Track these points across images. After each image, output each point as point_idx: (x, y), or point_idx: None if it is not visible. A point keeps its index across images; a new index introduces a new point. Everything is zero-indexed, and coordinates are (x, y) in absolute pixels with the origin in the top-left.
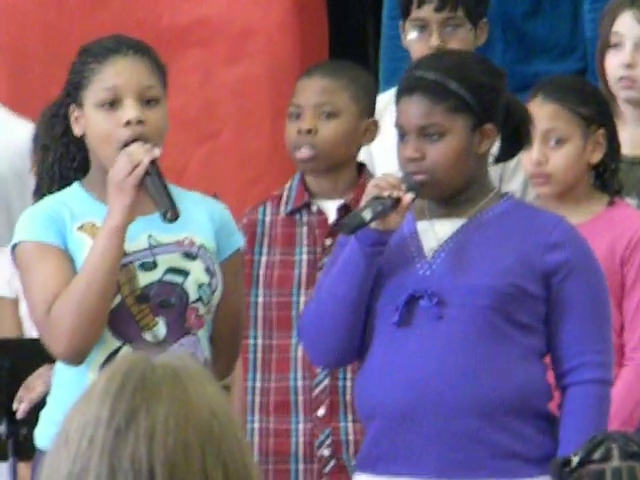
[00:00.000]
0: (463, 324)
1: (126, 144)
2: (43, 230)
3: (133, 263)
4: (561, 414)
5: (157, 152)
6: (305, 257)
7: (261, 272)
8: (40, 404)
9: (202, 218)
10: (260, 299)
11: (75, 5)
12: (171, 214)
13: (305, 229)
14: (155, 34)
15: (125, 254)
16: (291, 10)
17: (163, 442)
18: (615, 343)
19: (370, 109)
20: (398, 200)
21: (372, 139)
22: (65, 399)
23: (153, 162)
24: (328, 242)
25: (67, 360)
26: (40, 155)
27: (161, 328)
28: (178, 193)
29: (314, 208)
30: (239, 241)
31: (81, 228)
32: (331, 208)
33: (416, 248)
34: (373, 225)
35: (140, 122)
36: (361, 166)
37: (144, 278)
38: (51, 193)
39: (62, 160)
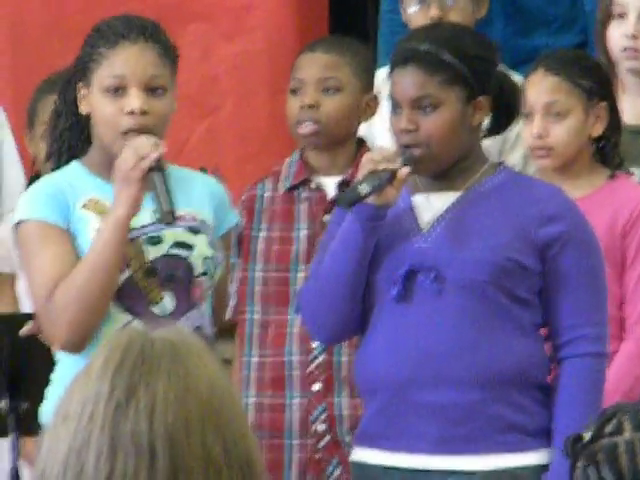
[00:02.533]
0: (461, 298)
1: (127, 132)
2: (46, 209)
3: (140, 237)
4: (556, 386)
5: (162, 149)
6: (304, 233)
7: (259, 247)
8: (44, 381)
9: (203, 195)
10: (258, 274)
11: None
12: (168, 218)
13: (304, 205)
14: (155, 8)
15: (131, 229)
16: None
17: (163, 417)
18: (616, 317)
19: (370, 85)
20: (394, 174)
21: (372, 114)
22: (70, 375)
23: (158, 159)
24: (327, 218)
25: (66, 349)
26: (53, 121)
27: (168, 302)
28: (178, 170)
29: (313, 184)
30: (234, 218)
31: (85, 206)
32: (330, 184)
33: (412, 222)
34: (370, 200)
35: (144, 112)
36: (360, 142)
37: (151, 252)
38: (59, 161)
39: (72, 130)
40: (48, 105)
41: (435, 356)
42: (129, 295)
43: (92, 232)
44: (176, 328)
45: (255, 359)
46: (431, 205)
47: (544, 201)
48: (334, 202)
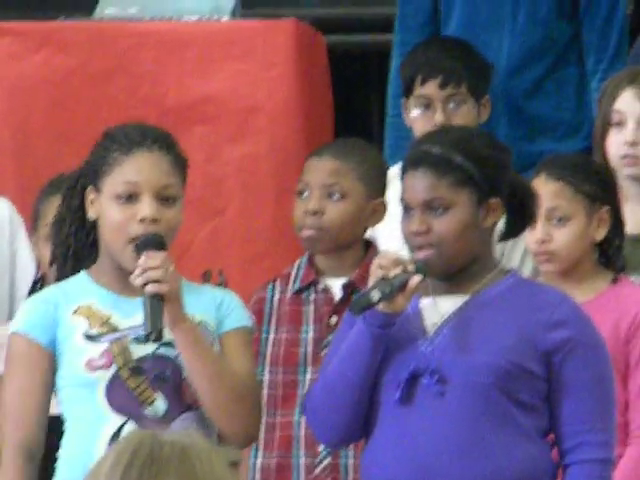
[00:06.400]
0: (464, 402)
1: (135, 239)
2: (34, 325)
3: (127, 337)
4: None
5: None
6: (311, 335)
7: (268, 350)
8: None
9: (203, 298)
10: (266, 377)
11: (80, 82)
12: (155, 336)
13: (311, 307)
14: (160, 111)
15: (120, 329)
16: (296, 88)
17: None
18: (620, 421)
19: (379, 189)
20: (406, 282)
21: (379, 220)
22: (71, 477)
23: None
24: (333, 320)
25: None
26: (56, 226)
27: (160, 403)
28: (185, 283)
29: (320, 286)
30: (243, 320)
31: (75, 312)
32: (337, 286)
33: (418, 325)
34: (380, 307)
35: (155, 221)
36: (368, 243)
37: (138, 351)
38: (64, 267)
39: (77, 233)
40: (52, 207)
41: (437, 460)
42: (119, 395)
43: (79, 336)
44: (185, 431)
45: (260, 460)
46: (438, 308)
47: (551, 307)
48: (340, 304)
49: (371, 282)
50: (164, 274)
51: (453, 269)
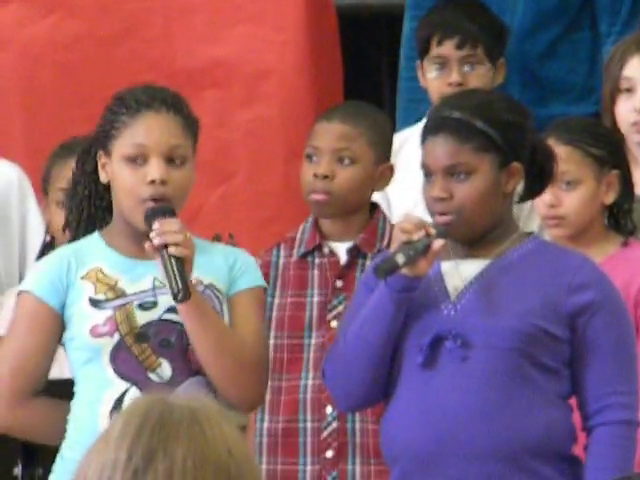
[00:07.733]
0: (487, 366)
1: (146, 201)
2: (46, 287)
3: (131, 303)
4: (586, 455)
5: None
6: (316, 299)
7: (273, 314)
8: (55, 446)
9: (216, 259)
10: (272, 341)
11: (89, 45)
12: (182, 295)
13: (317, 271)
14: (169, 75)
15: (126, 295)
16: (306, 51)
17: None
18: None
19: (386, 154)
20: (428, 246)
21: (386, 184)
22: (78, 440)
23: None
24: (339, 284)
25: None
26: (70, 190)
27: (165, 368)
28: (196, 239)
29: (326, 250)
30: (257, 280)
31: (85, 276)
32: (342, 250)
33: (440, 288)
34: (402, 271)
35: (164, 182)
36: (373, 206)
37: (143, 317)
38: (77, 230)
39: (91, 197)
40: (63, 171)
41: (459, 424)
42: (123, 361)
43: (85, 301)
44: (195, 395)
45: (266, 424)
46: (459, 272)
47: (574, 270)
48: (346, 268)
49: (393, 246)
50: (184, 238)
51: (475, 234)
